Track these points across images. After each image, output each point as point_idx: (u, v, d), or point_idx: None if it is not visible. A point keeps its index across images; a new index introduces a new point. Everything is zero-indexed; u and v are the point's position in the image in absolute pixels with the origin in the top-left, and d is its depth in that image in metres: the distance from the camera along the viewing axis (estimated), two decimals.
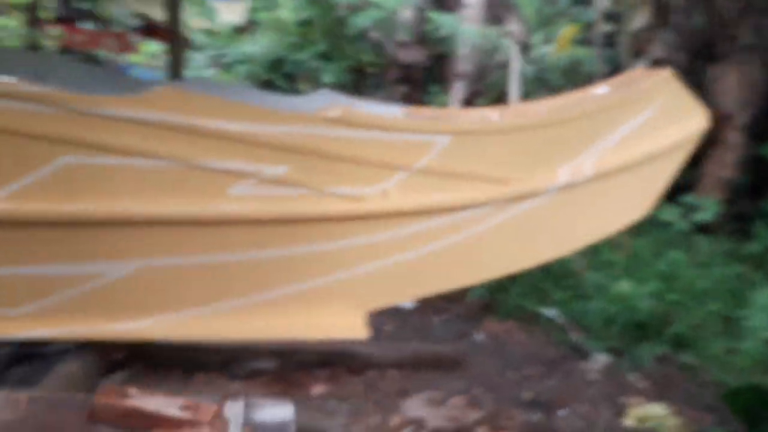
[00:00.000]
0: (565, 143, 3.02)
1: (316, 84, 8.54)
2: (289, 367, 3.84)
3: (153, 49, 11.16)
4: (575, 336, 4.55)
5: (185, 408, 1.44)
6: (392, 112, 3.28)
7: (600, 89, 3.35)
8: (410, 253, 2.91)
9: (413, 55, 11.77)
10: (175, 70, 4.88)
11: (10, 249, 2.35)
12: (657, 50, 6.85)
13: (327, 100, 3.10)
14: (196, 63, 9.98)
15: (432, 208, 2.84)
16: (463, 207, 2.90)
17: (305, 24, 8.94)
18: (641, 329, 4.52)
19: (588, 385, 4.02)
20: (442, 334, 4.66)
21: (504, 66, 8.50)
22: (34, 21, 7.67)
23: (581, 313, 4.66)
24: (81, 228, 2.38)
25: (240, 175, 2.50)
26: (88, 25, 12.03)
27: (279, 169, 2.54)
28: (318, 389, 3.66)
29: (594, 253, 5.68)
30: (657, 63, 6.97)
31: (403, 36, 11.24)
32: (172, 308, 2.67)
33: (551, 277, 5.09)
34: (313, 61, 8.68)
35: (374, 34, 11.48)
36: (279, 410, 1.52)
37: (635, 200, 3.32)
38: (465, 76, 9.12)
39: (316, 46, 8.80)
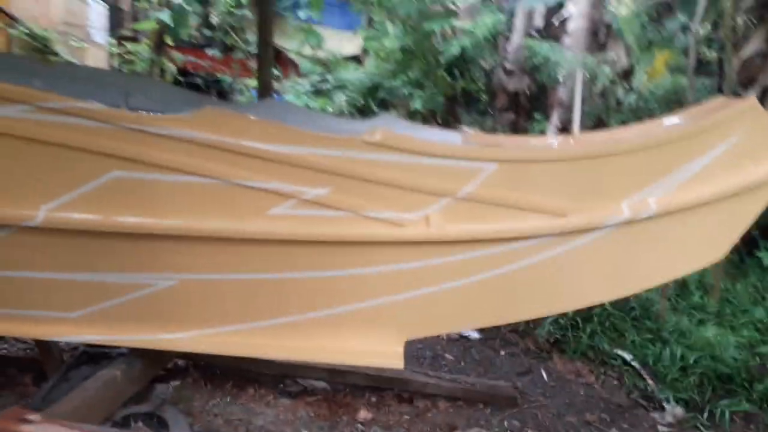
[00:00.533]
0: (629, 176, 2.83)
1: (407, 111, 8.63)
2: (339, 388, 3.86)
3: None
4: (649, 383, 4.24)
5: None
6: (446, 138, 3.24)
7: (671, 119, 3.13)
8: (454, 283, 2.82)
9: (518, 83, 11.64)
10: (263, 92, 5.10)
11: (64, 255, 2.54)
12: None
13: (382, 124, 3.12)
14: (301, 88, 10.40)
15: (478, 237, 2.75)
16: (513, 237, 2.78)
17: (402, 52, 9.07)
18: (724, 382, 4.14)
19: None
20: (504, 368, 4.49)
21: (603, 94, 8.21)
22: (159, 46, 8.34)
23: (657, 359, 4.33)
24: (128, 239, 2.53)
25: (281, 195, 2.56)
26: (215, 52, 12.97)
27: (319, 192, 2.57)
28: (364, 414, 3.64)
29: (682, 295, 5.30)
30: None
31: (509, 63, 11.16)
32: (214, 322, 2.76)
33: (629, 318, 4.78)
34: (406, 88, 8.77)
35: (483, 62, 11.47)
36: None
37: (710, 241, 3.04)
38: (563, 104, 8.86)
39: (409, 73, 8.89)
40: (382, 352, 2.86)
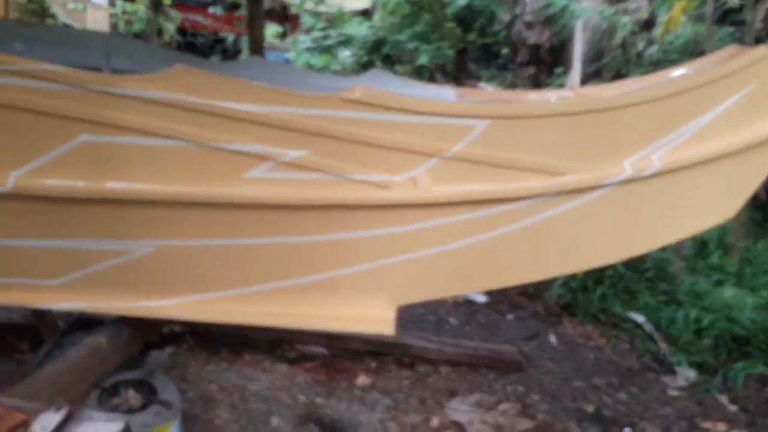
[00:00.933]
0: (631, 131, 2.65)
1: (413, 65, 8.34)
2: (338, 353, 3.79)
3: (273, 31, 11.57)
4: (662, 346, 4.09)
5: None
6: (438, 94, 3.06)
7: (678, 71, 2.91)
8: (446, 246, 2.69)
9: (539, 36, 11.26)
10: (254, 49, 4.92)
11: (39, 222, 2.46)
12: None
13: (370, 80, 2.96)
14: (303, 45, 10.15)
15: (469, 198, 2.60)
16: (506, 198, 2.63)
17: (409, 4, 8.73)
18: (740, 344, 3.98)
19: (665, 403, 3.59)
20: (511, 332, 4.38)
21: (623, 46, 7.85)
22: (156, 6, 8.17)
23: (670, 321, 4.17)
24: (101, 205, 2.43)
25: (256, 158, 2.43)
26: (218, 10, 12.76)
27: (297, 153, 2.44)
28: (363, 380, 3.57)
29: (701, 255, 5.11)
30: None
31: (529, 15, 10.80)
32: (195, 289, 2.68)
33: (643, 280, 4.61)
34: (412, 43, 8.45)
35: (502, 14, 11.07)
36: (102, 426, 1.42)
37: (719, 199, 2.86)
38: (581, 57, 8.51)
39: (415, 27, 8.55)
40: (373, 317, 2.75)
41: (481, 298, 4.78)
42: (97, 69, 3.33)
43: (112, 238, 2.52)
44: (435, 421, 3.24)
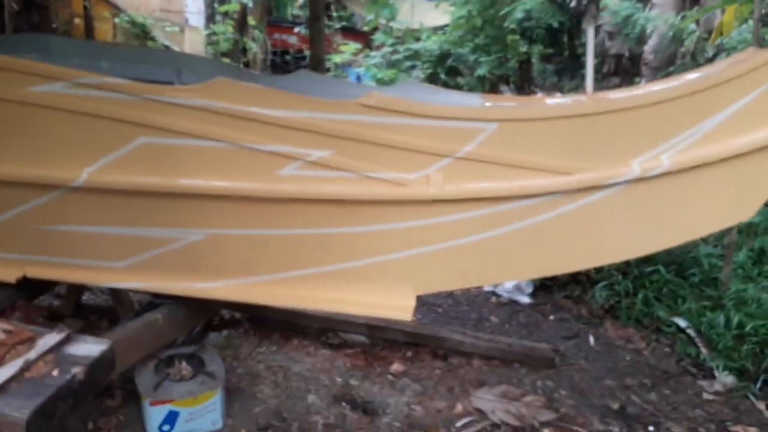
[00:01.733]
0: (639, 132, 2.76)
1: (472, 77, 8.53)
2: (377, 342, 4.07)
3: (352, 48, 12.14)
4: (702, 351, 4.08)
5: (4, 331, 1.72)
6: (463, 101, 3.30)
7: (694, 74, 2.98)
8: (459, 241, 2.90)
9: (620, 46, 11.18)
10: (315, 65, 5.30)
11: (107, 212, 2.90)
12: None
13: (402, 89, 3.24)
14: (372, 60, 10.61)
15: (478, 195, 2.81)
16: (515, 196, 2.82)
17: (473, 18, 8.95)
18: None
19: (697, 406, 3.61)
20: (551, 332, 4.49)
21: (692, 54, 7.72)
22: (241, 27, 8.81)
23: (710, 325, 4.15)
24: (159, 197, 2.84)
25: (287, 157, 2.76)
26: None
27: (322, 153, 2.75)
28: (397, 367, 3.82)
29: (757, 261, 5.00)
30: None
31: (609, 26, 10.77)
32: (239, 273, 3.03)
33: (688, 285, 4.59)
34: (473, 55, 8.66)
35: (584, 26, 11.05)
36: (91, 346, 1.74)
37: (735, 200, 2.90)
38: (650, 65, 8.44)
39: (477, 39, 8.76)
40: (393, 305, 3.00)
41: (525, 299, 4.91)
42: (170, 83, 3.83)
43: (168, 227, 2.92)
44: (459, 408, 3.44)
